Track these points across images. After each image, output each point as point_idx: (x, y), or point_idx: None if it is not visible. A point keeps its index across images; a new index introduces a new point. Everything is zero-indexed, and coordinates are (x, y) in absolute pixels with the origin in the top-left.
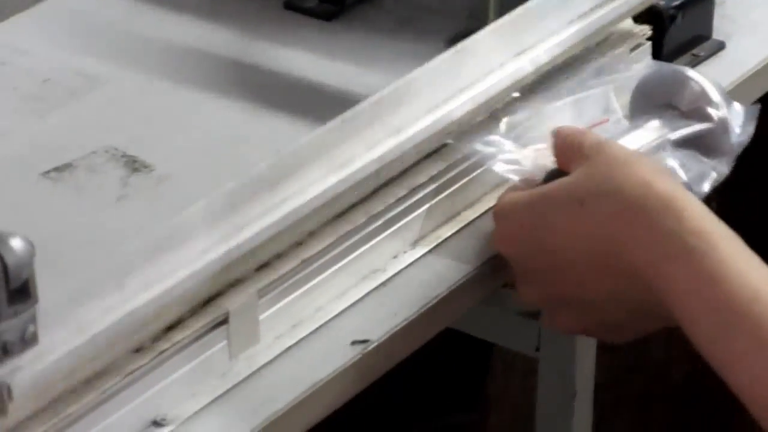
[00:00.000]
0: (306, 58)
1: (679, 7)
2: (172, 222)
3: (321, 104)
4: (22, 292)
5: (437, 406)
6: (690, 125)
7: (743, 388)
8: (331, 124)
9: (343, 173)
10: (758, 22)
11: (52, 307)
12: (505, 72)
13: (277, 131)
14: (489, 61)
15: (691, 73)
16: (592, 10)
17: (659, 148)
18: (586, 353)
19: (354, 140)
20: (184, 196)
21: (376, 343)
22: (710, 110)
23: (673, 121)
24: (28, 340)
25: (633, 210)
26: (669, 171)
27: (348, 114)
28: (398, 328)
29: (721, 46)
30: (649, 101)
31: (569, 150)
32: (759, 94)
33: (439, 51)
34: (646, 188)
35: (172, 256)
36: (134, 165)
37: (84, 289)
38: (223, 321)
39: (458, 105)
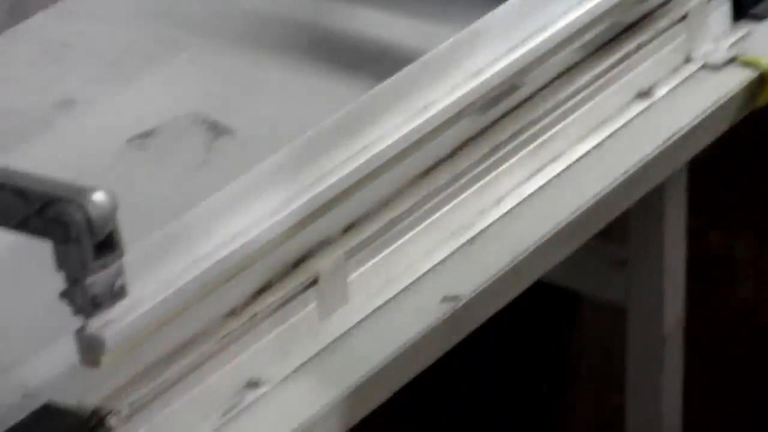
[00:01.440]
0: (380, 17)
1: None
2: (255, 172)
3: (401, 63)
4: (107, 245)
5: (528, 339)
6: None
7: None
8: (409, 68)
9: (423, 117)
10: None
11: (139, 261)
12: (572, 16)
13: (358, 91)
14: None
15: None
16: None
17: None
18: (675, 299)
19: (432, 84)
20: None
21: (466, 299)
22: None
23: None
24: (116, 294)
25: None
26: None
27: (425, 58)
28: (488, 283)
29: None
30: None
31: None
32: None
33: None
34: None
35: (256, 206)
36: (216, 129)
37: (170, 242)
38: (313, 282)
39: (533, 47)
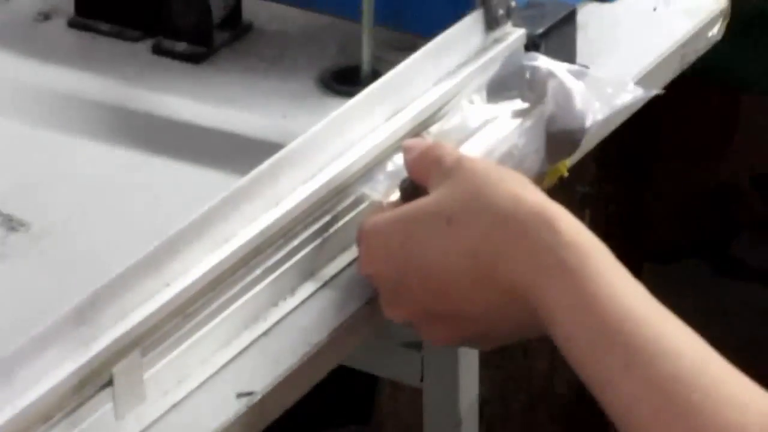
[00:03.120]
0: (178, 101)
1: (542, 36)
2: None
3: (198, 145)
4: None
5: (329, 418)
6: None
7: (612, 410)
8: (213, 202)
9: (225, 251)
10: (619, 41)
11: None
12: (382, 134)
13: (156, 175)
14: (367, 123)
15: (540, 59)
16: (459, 67)
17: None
18: (469, 381)
19: (234, 216)
20: (64, 253)
21: (261, 394)
22: (550, 85)
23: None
24: None
25: (505, 225)
26: (532, 183)
27: (228, 192)
28: (282, 377)
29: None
30: (503, 90)
31: (426, 165)
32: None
33: (309, 88)
34: (515, 202)
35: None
36: (11, 224)
37: None
38: (108, 383)
39: (337, 172)
